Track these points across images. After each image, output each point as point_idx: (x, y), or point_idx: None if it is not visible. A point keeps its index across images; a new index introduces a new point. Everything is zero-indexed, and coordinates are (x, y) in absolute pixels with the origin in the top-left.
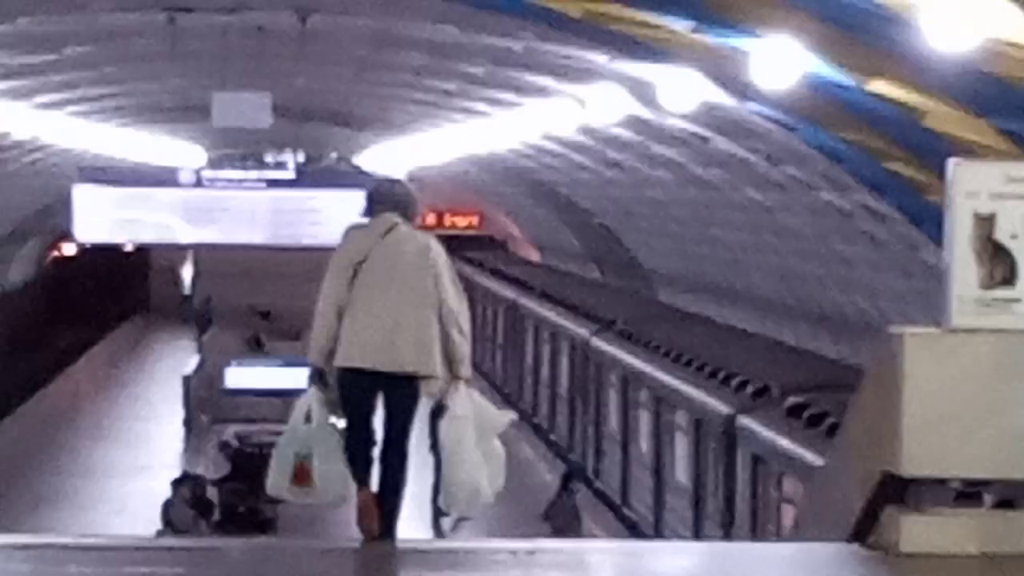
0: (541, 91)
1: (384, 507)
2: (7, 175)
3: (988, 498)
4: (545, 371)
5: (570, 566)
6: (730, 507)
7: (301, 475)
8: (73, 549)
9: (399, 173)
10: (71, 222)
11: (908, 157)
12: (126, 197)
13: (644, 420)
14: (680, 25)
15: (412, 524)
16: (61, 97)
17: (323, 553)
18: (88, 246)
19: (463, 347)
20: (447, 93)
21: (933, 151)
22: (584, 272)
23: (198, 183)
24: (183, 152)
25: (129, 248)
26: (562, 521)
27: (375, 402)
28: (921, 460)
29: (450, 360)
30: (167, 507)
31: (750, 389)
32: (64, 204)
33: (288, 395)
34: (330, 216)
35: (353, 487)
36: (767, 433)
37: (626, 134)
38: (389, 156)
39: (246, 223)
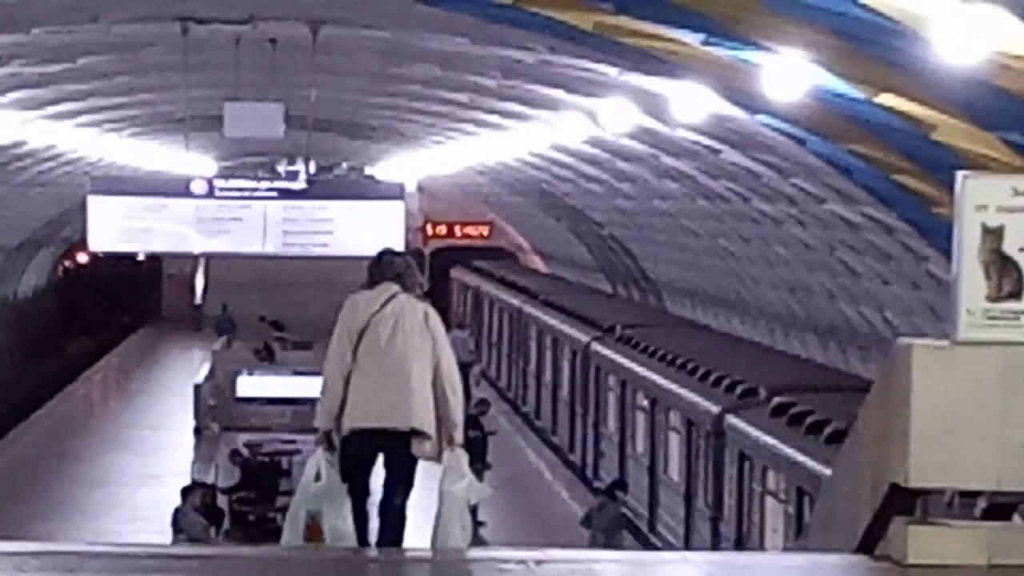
0: (552, 103)
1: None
2: (21, 185)
3: (995, 510)
4: (548, 375)
5: (579, 575)
6: (719, 501)
7: (313, 532)
8: (85, 556)
9: (410, 183)
10: (85, 231)
11: (916, 170)
12: (139, 207)
13: (640, 420)
14: (691, 38)
15: (420, 532)
16: (75, 107)
17: (332, 561)
18: (100, 255)
19: (457, 411)
20: (459, 105)
21: (941, 164)
22: (593, 283)
23: (210, 193)
24: (195, 162)
25: (141, 258)
26: (605, 528)
27: (374, 460)
28: (929, 471)
29: (444, 422)
30: (177, 515)
31: (739, 390)
32: (77, 214)
33: (299, 404)
34: (342, 227)
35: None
36: (752, 431)
37: (636, 146)
38: (400, 167)
39: (258, 233)
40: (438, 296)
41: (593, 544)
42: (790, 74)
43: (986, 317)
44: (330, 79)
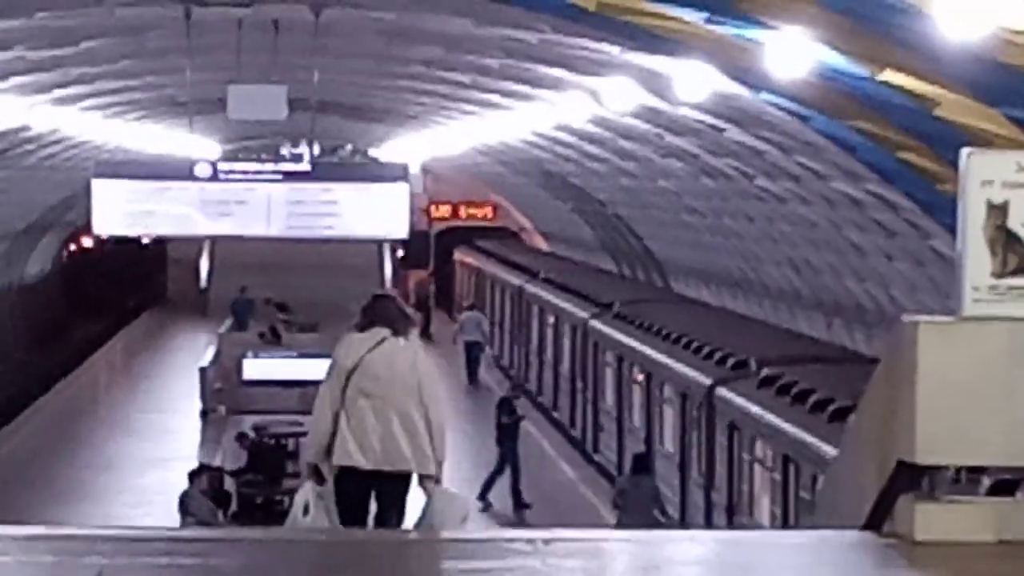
0: (555, 83)
1: None
2: (25, 169)
3: (1003, 485)
4: (549, 352)
5: (587, 554)
6: (711, 470)
7: None
8: (93, 540)
9: (414, 164)
10: (89, 215)
11: (921, 147)
12: (143, 190)
13: (636, 394)
14: (693, 16)
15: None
16: (79, 91)
17: (340, 544)
18: (105, 239)
19: (442, 451)
20: (461, 85)
21: (946, 141)
22: (597, 263)
23: (214, 176)
24: (199, 145)
25: (146, 241)
26: (640, 505)
27: (369, 500)
28: (935, 448)
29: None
30: (184, 498)
31: (730, 363)
32: (82, 197)
33: (305, 386)
34: (346, 209)
35: None
36: (741, 402)
37: (639, 125)
38: (404, 148)
39: (262, 216)
40: (442, 277)
41: (626, 523)
42: (793, 52)
43: (991, 293)
44: (333, 61)
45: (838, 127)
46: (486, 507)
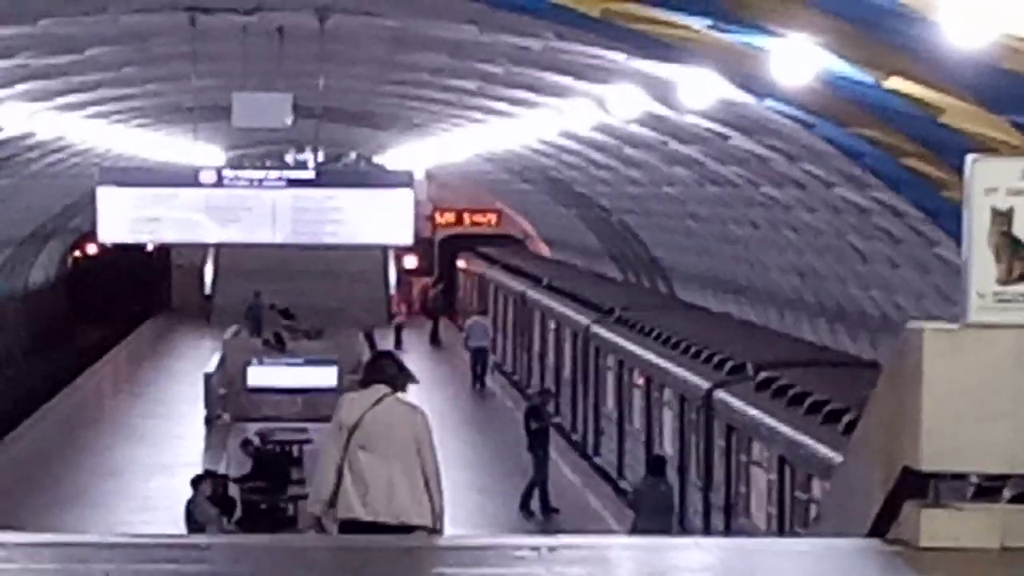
0: (560, 90)
1: None
2: (30, 176)
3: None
4: (551, 357)
5: (591, 562)
6: (709, 471)
7: None
8: (98, 547)
9: (419, 171)
10: (94, 222)
11: (925, 154)
12: (148, 197)
13: (637, 398)
14: (698, 24)
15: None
16: (83, 98)
17: (344, 550)
18: (110, 246)
19: (440, 502)
20: (466, 92)
21: (950, 148)
22: (602, 271)
23: (219, 183)
24: (203, 152)
25: (150, 248)
26: (653, 510)
27: None
28: (940, 455)
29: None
30: (190, 507)
31: (728, 367)
32: (85, 204)
33: (310, 393)
34: (351, 215)
35: None
36: (738, 404)
37: (645, 132)
38: (409, 155)
39: (267, 222)
40: (446, 284)
41: (641, 526)
42: (798, 58)
43: (996, 300)
44: (338, 68)
45: (843, 134)
46: (528, 515)
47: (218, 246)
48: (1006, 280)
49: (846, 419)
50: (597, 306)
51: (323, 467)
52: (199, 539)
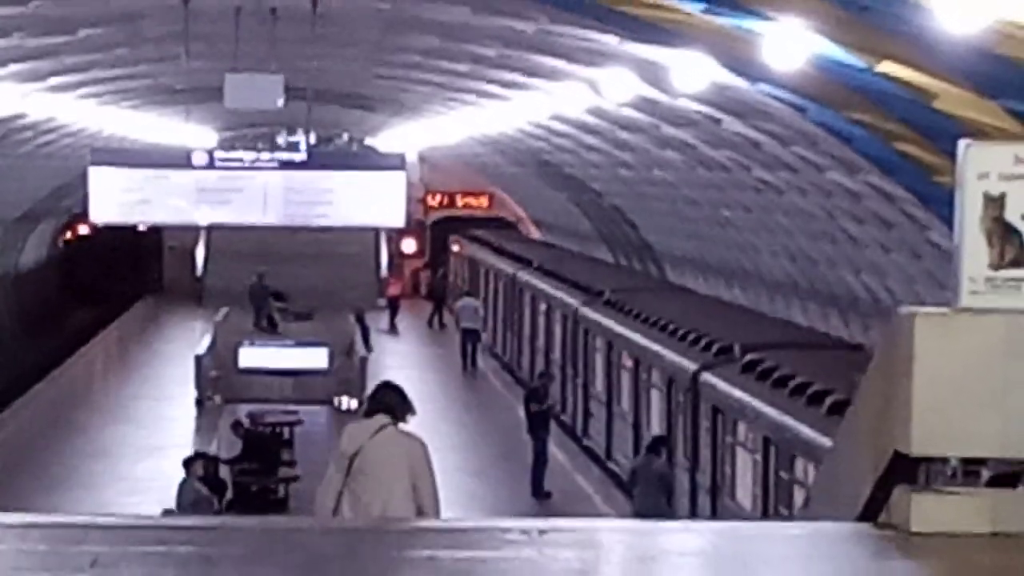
0: (552, 73)
1: None
2: (21, 157)
3: (999, 477)
4: (541, 339)
5: (582, 545)
6: (695, 452)
7: None
8: (87, 528)
9: (411, 154)
10: (86, 203)
11: (918, 138)
12: (140, 178)
13: (625, 379)
14: (691, 7)
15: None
16: (75, 79)
17: (335, 532)
18: (101, 227)
19: (437, 513)
20: (459, 75)
21: (943, 132)
22: (592, 252)
23: (211, 164)
24: (195, 134)
25: (142, 229)
26: (647, 488)
27: None
28: (931, 439)
29: None
30: (182, 490)
31: (715, 349)
32: (77, 186)
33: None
34: (342, 197)
35: None
36: (724, 386)
37: (637, 115)
38: (401, 137)
39: (258, 204)
40: (438, 266)
41: (638, 503)
42: (791, 43)
43: (988, 285)
44: (330, 50)
45: (836, 118)
46: (544, 498)
47: (210, 228)
48: (998, 265)
49: (829, 400)
50: (587, 288)
51: (323, 492)
52: (189, 521)
